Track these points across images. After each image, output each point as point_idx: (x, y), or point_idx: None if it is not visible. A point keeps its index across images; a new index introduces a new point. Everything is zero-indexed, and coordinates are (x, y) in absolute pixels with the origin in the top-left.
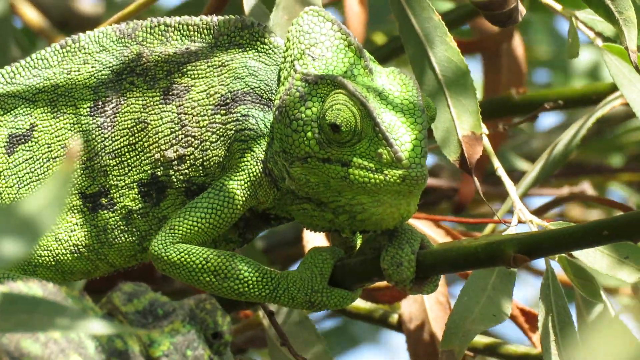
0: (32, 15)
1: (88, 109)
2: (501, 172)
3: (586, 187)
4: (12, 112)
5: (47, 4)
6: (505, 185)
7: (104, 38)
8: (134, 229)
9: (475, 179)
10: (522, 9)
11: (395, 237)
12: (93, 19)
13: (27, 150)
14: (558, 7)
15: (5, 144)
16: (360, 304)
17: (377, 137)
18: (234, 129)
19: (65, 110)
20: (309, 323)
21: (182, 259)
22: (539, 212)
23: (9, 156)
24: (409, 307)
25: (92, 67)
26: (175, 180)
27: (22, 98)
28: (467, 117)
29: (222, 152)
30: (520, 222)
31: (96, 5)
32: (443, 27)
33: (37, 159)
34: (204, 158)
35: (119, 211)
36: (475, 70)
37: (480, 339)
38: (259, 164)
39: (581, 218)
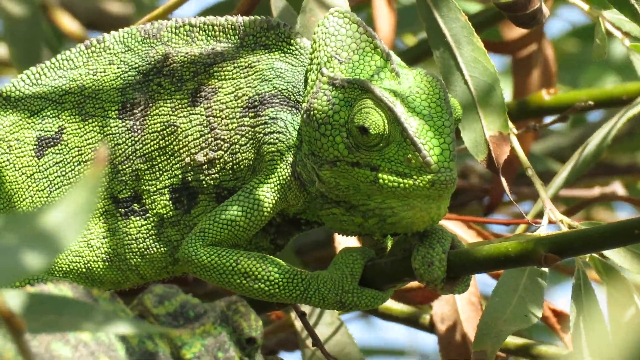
0: (62, 18)
1: (116, 112)
2: (531, 172)
3: (617, 187)
4: (39, 114)
5: (76, 5)
6: (535, 184)
7: (129, 38)
8: (165, 239)
9: (503, 178)
10: (546, 10)
11: (426, 237)
12: (122, 20)
13: (57, 153)
14: (585, 6)
15: (35, 147)
16: (391, 305)
17: (406, 142)
18: (262, 132)
19: (93, 113)
20: (341, 324)
21: (213, 262)
22: (570, 212)
23: (38, 159)
24: (441, 307)
25: (118, 67)
26: (205, 185)
27: (49, 100)
28: (494, 117)
29: (252, 155)
30: (550, 222)
31: (125, 6)
32: (470, 28)
33: (68, 162)
34: (234, 161)
35: (151, 218)
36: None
37: (512, 340)
38: (288, 167)
39: (608, 219)
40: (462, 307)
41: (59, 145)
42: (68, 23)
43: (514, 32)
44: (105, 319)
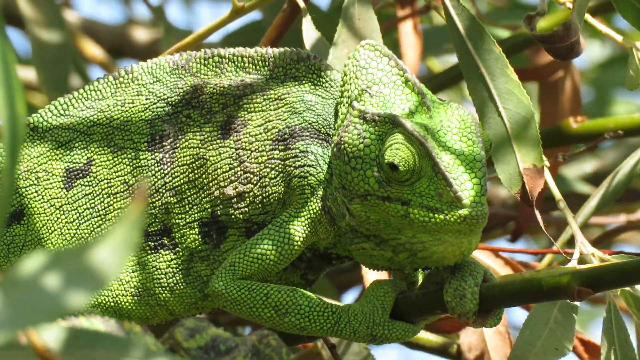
0: (86, 44)
1: (146, 144)
2: (563, 205)
3: None
4: (67, 145)
5: (100, 31)
6: (567, 217)
7: (157, 69)
8: (195, 274)
9: (538, 213)
10: (584, 42)
11: (458, 270)
12: (146, 46)
13: (86, 185)
14: (619, 37)
15: (63, 179)
16: (419, 334)
17: (437, 177)
18: (293, 165)
19: (122, 144)
20: (368, 354)
21: (243, 295)
22: (598, 241)
23: (67, 191)
24: (468, 337)
25: (147, 99)
26: (235, 219)
27: (77, 131)
28: (528, 149)
29: (282, 189)
30: (582, 255)
31: (149, 32)
32: (504, 59)
33: (97, 195)
34: (264, 195)
35: (180, 253)
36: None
37: None
38: (318, 200)
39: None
40: (490, 337)
41: (88, 177)
42: (91, 49)
43: (541, 58)
44: (139, 353)
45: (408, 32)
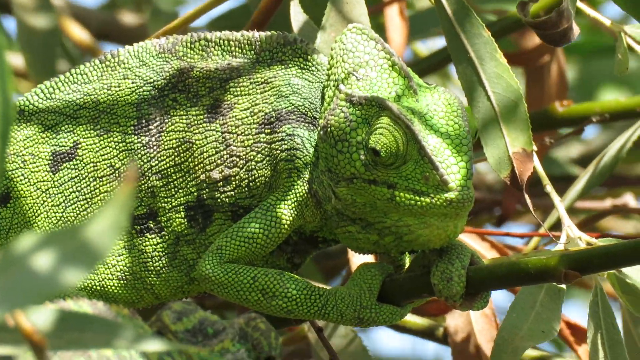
0: (72, 28)
1: (132, 127)
2: (550, 189)
3: (628, 199)
4: (53, 128)
5: (87, 16)
6: (554, 201)
7: (144, 53)
8: (181, 257)
9: (527, 197)
10: (577, 28)
11: (445, 253)
12: (133, 31)
13: (73, 169)
14: (607, 22)
15: (50, 162)
16: (406, 316)
17: (423, 160)
18: (279, 148)
19: (108, 128)
20: (355, 336)
21: (230, 279)
22: (583, 224)
23: (53, 174)
24: (455, 320)
25: (133, 82)
26: (221, 203)
27: (63, 114)
28: (517, 133)
29: (268, 172)
30: (568, 238)
31: (137, 17)
32: (493, 43)
33: (83, 178)
34: (250, 178)
35: (166, 236)
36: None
37: (528, 352)
38: (305, 183)
39: (624, 228)
40: (476, 319)
41: (74, 160)
42: (78, 33)
43: (528, 43)
44: (126, 336)
45: (394, 17)
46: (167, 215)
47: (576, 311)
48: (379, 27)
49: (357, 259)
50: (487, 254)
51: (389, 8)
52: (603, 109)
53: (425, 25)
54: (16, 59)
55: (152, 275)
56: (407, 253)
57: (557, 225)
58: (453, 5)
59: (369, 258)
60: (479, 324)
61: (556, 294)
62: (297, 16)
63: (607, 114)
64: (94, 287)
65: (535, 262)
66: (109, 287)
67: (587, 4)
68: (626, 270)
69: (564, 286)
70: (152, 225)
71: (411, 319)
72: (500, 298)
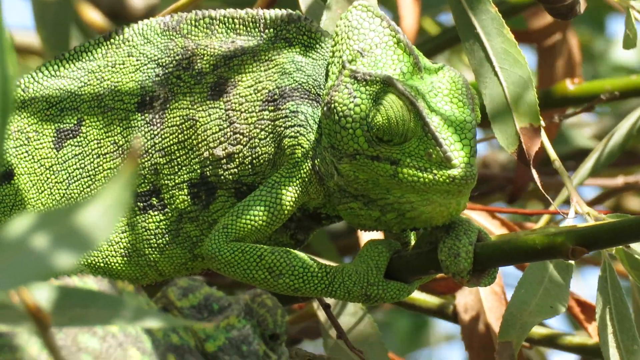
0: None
1: (136, 105)
2: (558, 164)
3: None
4: (57, 105)
5: None
6: (562, 177)
7: (148, 30)
8: (184, 234)
9: (534, 172)
10: (583, 2)
11: (452, 229)
12: (146, 12)
13: (76, 146)
14: None
15: (54, 139)
16: (415, 294)
17: (427, 137)
18: (283, 125)
19: (112, 105)
20: (365, 314)
21: (237, 258)
22: (594, 202)
23: (57, 151)
24: (464, 297)
25: (137, 60)
26: (224, 180)
27: (68, 92)
28: (525, 109)
29: (272, 150)
30: (577, 213)
31: None
32: (500, 19)
33: (87, 155)
34: (253, 156)
35: (169, 213)
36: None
37: (536, 330)
38: (309, 160)
39: (636, 207)
40: (486, 297)
41: (78, 137)
42: (90, 13)
43: (539, 21)
44: (131, 312)
45: None
46: (170, 192)
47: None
48: (392, 4)
49: (365, 236)
50: (497, 231)
51: None
52: (614, 87)
53: (437, 1)
54: (30, 37)
55: (155, 252)
56: (409, 231)
57: (568, 203)
58: None
59: (377, 235)
60: (488, 301)
61: (564, 270)
62: None
63: (617, 91)
64: (98, 264)
65: (543, 239)
66: (112, 264)
67: None
68: (635, 246)
69: (572, 262)
70: (155, 202)
71: (421, 297)
72: (512, 275)
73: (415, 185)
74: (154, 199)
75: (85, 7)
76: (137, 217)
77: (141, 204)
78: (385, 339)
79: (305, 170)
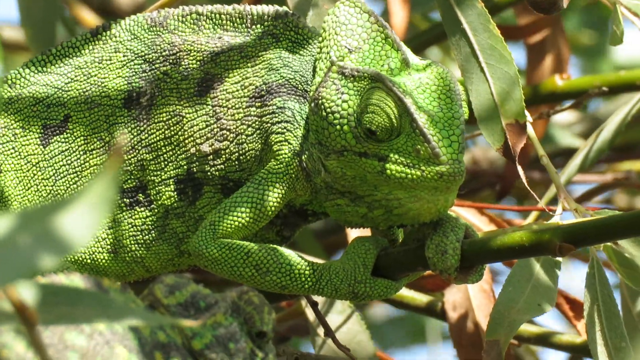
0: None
1: (122, 101)
2: (546, 160)
3: (630, 173)
4: (44, 101)
5: None
6: (550, 173)
7: (135, 26)
8: (170, 230)
9: (520, 167)
10: None
11: (439, 226)
12: (133, 7)
13: (63, 142)
14: None
15: (40, 135)
16: (403, 292)
17: (415, 133)
18: (270, 121)
19: (99, 101)
20: (352, 312)
21: (224, 255)
22: (583, 199)
23: (44, 147)
24: (453, 295)
25: (124, 55)
26: (211, 176)
27: (54, 87)
28: (510, 105)
29: (259, 146)
30: (565, 210)
31: None
32: (486, 15)
33: (74, 151)
34: (240, 152)
35: (156, 210)
36: (519, 56)
37: (525, 328)
38: (295, 157)
39: (627, 204)
40: (474, 295)
41: (65, 133)
42: (80, 9)
43: (527, 17)
44: (117, 310)
45: None
46: (157, 188)
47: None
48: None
49: (354, 233)
50: (486, 228)
51: None
52: (603, 83)
53: None
54: (18, 33)
55: (141, 249)
56: (396, 227)
57: (557, 200)
58: None
59: (364, 232)
60: (477, 299)
61: (552, 267)
62: None
63: (607, 87)
64: (85, 260)
65: (530, 235)
66: (99, 260)
67: None
68: (624, 243)
69: (560, 259)
70: (141, 198)
71: (409, 294)
72: (504, 272)
73: (403, 181)
74: (140, 195)
75: (75, 3)
76: (124, 213)
77: (127, 200)
78: (374, 337)
79: (292, 166)
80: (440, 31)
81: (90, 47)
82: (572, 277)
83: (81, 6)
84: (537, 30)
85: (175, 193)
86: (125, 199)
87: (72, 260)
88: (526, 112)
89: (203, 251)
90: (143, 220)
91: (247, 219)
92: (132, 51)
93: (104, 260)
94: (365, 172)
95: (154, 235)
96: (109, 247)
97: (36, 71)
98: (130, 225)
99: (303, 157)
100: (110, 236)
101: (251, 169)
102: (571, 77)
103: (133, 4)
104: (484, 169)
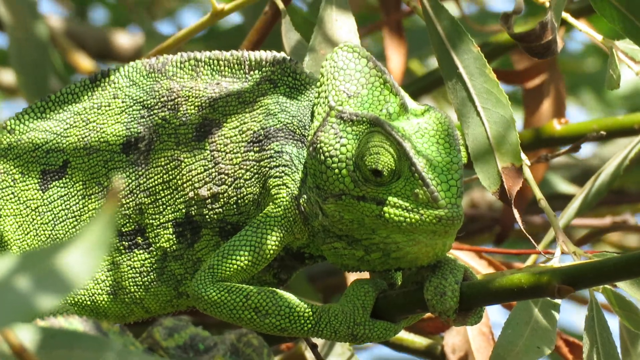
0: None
1: (121, 146)
2: (544, 203)
3: (628, 216)
4: (43, 147)
5: (86, 37)
6: (548, 216)
7: (134, 72)
8: (169, 272)
9: (516, 211)
10: (560, 42)
11: (438, 268)
12: (131, 51)
13: (62, 187)
14: (598, 37)
15: (39, 180)
16: (403, 335)
17: (414, 177)
18: (268, 165)
19: (98, 147)
20: (352, 354)
21: (223, 298)
22: (582, 241)
23: (43, 192)
24: (452, 338)
25: (123, 102)
26: (209, 219)
27: (54, 133)
28: (507, 149)
29: (257, 190)
30: (563, 253)
31: (134, 37)
32: (482, 59)
33: (72, 196)
34: (238, 196)
35: (154, 252)
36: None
37: None
38: (294, 200)
39: (619, 243)
40: (474, 338)
41: (64, 178)
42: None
43: (525, 61)
44: (117, 353)
45: (392, 36)
46: (155, 231)
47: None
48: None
49: (353, 275)
50: (484, 271)
51: (386, 26)
52: (600, 127)
53: (423, 42)
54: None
55: (140, 290)
56: (394, 271)
57: (555, 243)
58: (444, 21)
59: (363, 274)
60: (476, 342)
61: (551, 309)
62: (289, 34)
63: (604, 131)
64: (85, 302)
65: (528, 277)
66: (99, 302)
67: (587, 23)
68: (622, 285)
69: (559, 301)
70: (140, 241)
71: (408, 337)
72: (499, 316)
73: (401, 225)
74: (139, 237)
75: (71, 49)
76: (122, 256)
77: (126, 243)
78: None
79: (290, 210)
80: (437, 77)
81: (89, 94)
82: (572, 318)
83: (77, 52)
84: (535, 74)
85: (173, 236)
86: (124, 242)
87: (72, 302)
88: (523, 156)
89: (202, 294)
90: (142, 262)
91: (246, 262)
92: (130, 97)
93: (103, 302)
94: (363, 216)
95: (152, 277)
96: (108, 289)
97: (35, 117)
98: (129, 268)
99: (301, 201)
100: (109, 278)
101: (249, 212)
102: (569, 122)
103: (131, 48)
104: (482, 212)
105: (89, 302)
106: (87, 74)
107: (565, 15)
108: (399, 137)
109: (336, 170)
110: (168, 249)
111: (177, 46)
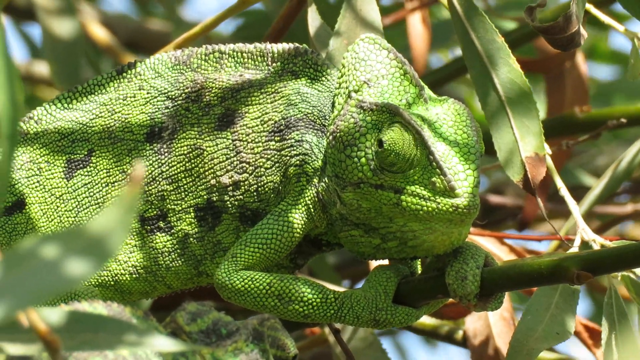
0: (100, 34)
1: (145, 135)
2: (564, 192)
3: None
4: (69, 137)
5: (116, 24)
6: (568, 204)
7: (160, 65)
8: (189, 253)
9: (539, 199)
10: (584, 33)
11: (460, 253)
12: (161, 37)
13: (86, 175)
14: (620, 28)
15: (64, 169)
16: (425, 320)
17: (431, 166)
18: (288, 154)
19: (122, 136)
20: (375, 339)
21: (246, 286)
22: (602, 229)
23: (67, 180)
24: (474, 323)
25: (148, 93)
26: (230, 205)
27: (79, 123)
28: (530, 138)
29: (277, 178)
30: (583, 240)
31: (164, 24)
32: (506, 48)
33: (96, 184)
34: (259, 184)
35: (176, 235)
36: (539, 89)
37: (544, 355)
38: (313, 188)
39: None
40: (495, 322)
41: (88, 167)
42: (104, 37)
43: (548, 50)
44: (140, 337)
45: (416, 24)
46: (177, 215)
47: None
48: (402, 34)
49: (375, 262)
50: (506, 258)
51: (411, 16)
52: (622, 115)
53: (447, 33)
54: (43, 67)
55: (162, 269)
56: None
57: (575, 230)
58: (467, 10)
59: (385, 261)
60: (497, 326)
61: (571, 295)
62: (314, 21)
63: (625, 119)
64: (109, 282)
65: (548, 264)
66: (122, 281)
67: (611, 15)
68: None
69: (578, 287)
70: (162, 225)
71: (430, 322)
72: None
73: (418, 213)
74: (160, 222)
75: (99, 31)
76: (145, 238)
77: (149, 227)
78: None
79: (310, 197)
80: (460, 66)
81: (115, 85)
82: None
83: (105, 34)
84: (558, 63)
85: (195, 220)
86: (146, 227)
87: (97, 283)
88: (545, 145)
89: (226, 283)
90: (163, 243)
91: (269, 250)
92: (155, 88)
93: (126, 281)
94: (380, 204)
95: (173, 257)
96: (131, 269)
97: (62, 107)
98: (150, 249)
99: (320, 189)
100: (132, 259)
101: (269, 200)
102: (590, 109)
103: (162, 35)
104: (506, 200)
105: (112, 282)
106: (115, 59)
107: (589, 6)
108: (417, 126)
109: (355, 159)
110: (190, 232)
111: (204, 34)
